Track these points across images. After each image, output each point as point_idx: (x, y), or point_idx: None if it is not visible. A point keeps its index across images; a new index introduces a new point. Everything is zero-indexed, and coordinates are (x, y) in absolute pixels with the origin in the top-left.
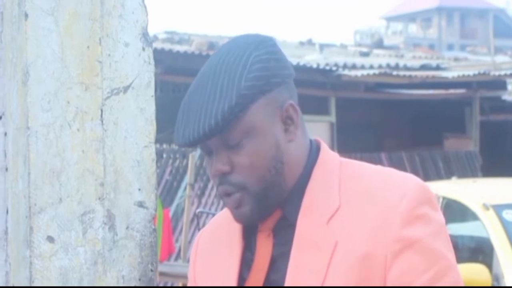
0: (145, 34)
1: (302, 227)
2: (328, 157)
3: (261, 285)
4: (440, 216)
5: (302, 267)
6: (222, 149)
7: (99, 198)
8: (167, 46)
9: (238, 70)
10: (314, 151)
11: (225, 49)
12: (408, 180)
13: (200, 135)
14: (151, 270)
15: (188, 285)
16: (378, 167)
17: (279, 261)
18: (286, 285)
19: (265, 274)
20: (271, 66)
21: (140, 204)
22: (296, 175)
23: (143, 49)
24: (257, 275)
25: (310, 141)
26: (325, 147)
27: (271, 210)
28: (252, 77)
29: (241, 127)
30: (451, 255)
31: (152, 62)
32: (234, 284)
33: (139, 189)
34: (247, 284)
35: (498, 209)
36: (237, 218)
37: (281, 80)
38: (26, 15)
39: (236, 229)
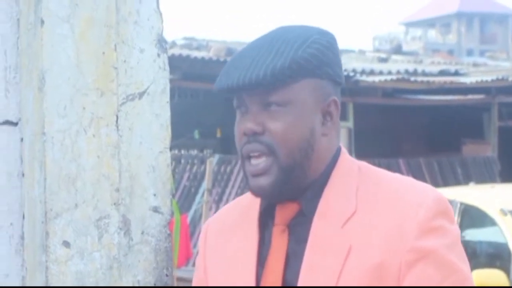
0: (160, 40)
1: (317, 228)
2: (348, 161)
3: (279, 285)
4: (455, 229)
5: (315, 269)
6: (259, 109)
7: (115, 204)
8: (185, 52)
9: (297, 42)
10: (337, 154)
11: (284, 28)
12: (426, 190)
13: (245, 82)
14: (166, 275)
15: (196, 274)
16: (396, 175)
17: (292, 259)
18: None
19: (282, 274)
20: (328, 54)
21: (155, 209)
22: (319, 170)
23: (158, 55)
24: (273, 274)
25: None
26: (345, 152)
27: (289, 193)
28: (310, 52)
29: (285, 93)
30: (466, 267)
31: (167, 68)
32: (253, 281)
33: (154, 195)
34: (263, 282)
35: None
36: (256, 188)
37: (333, 74)
38: (42, 22)
39: (250, 221)
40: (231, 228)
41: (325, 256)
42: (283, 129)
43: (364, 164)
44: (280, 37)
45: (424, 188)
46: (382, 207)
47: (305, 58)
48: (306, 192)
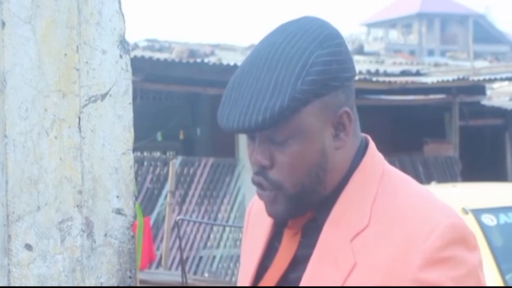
0: (122, 42)
1: (327, 236)
2: (371, 165)
3: (276, 281)
4: (473, 258)
5: (317, 278)
6: (266, 142)
7: (77, 206)
8: (148, 54)
9: (296, 68)
10: (360, 153)
11: (289, 31)
12: (442, 214)
13: (244, 127)
14: (130, 277)
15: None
16: (418, 187)
17: (300, 262)
18: None
19: (283, 272)
20: (332, 69)
21: (118, 211)
22: (336, 181)
23: (121, 56)
24: (275, 271)
25: (361, 139)
26: (371, 149)
27: (304, 211)
28: (310, 80)
29: (289, 127)
30: None
31: (130, 69)
32: (253, 270)
33: (117, 196)
34: (263, 280)
35: (477, 213)
36: (270, 213)
37: (339, 84)
38: (3, 24)
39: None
40: (261, 215)
41: (329, 267)
42: (291, 163)
43: (389, 169)
44: (281, 53)
45: (442, 211)
46: (395, 225)
47: (304, 90)
48: (323, 201)
